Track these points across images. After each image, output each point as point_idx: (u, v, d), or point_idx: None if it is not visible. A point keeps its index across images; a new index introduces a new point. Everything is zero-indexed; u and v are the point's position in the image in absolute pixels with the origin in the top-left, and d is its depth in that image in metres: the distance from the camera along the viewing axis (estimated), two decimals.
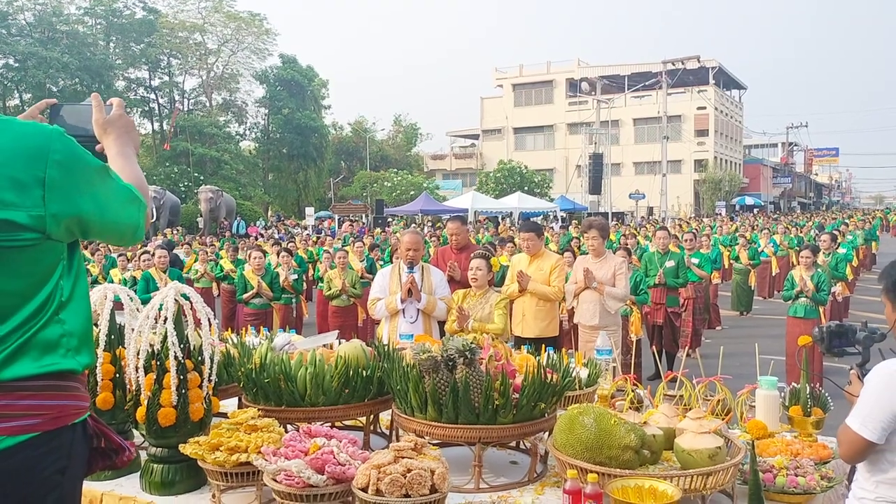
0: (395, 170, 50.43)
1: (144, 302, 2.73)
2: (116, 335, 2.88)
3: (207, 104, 50.38)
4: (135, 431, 2.90)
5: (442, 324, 5.45)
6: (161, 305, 2.58)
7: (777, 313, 12.38)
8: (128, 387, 2.74)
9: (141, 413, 2.58)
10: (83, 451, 1.63)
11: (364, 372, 2.82)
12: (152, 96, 47.50)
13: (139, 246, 12.66)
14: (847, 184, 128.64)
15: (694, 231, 13.81)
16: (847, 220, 27.64)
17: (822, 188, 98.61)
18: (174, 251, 14.37)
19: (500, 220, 35.60)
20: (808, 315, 7.90)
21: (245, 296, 8.90)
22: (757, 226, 26.09)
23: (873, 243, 21.77)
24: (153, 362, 2.58)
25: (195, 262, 12.97)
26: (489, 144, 62.25)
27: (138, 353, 2.60)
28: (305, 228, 33.24)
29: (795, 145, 79.55)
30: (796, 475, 2.48)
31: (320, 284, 10.31)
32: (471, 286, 5.40)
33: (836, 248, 11.12)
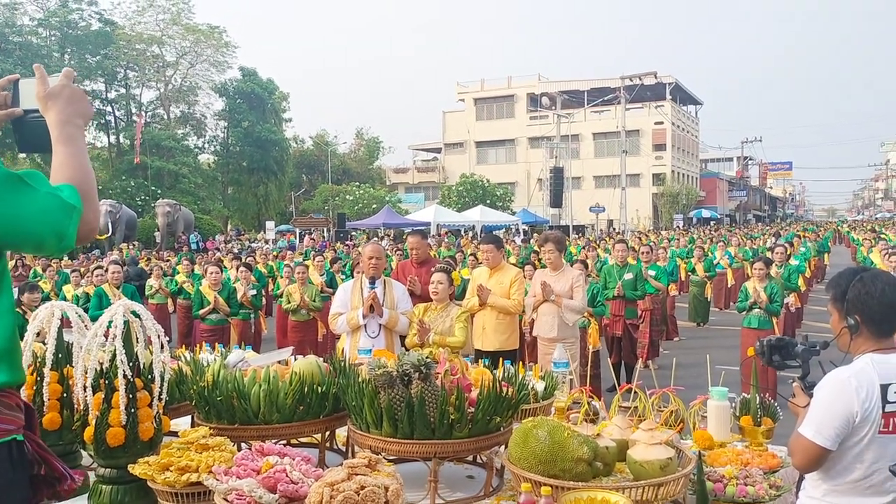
0: (357, 183, 50.31)
1: (96, 319, 2.67)
2: (64, 353, 2.81)
3: (165, 117, 49.69)
4: (83, 452, 2.84)
5: (404, 338, 5.44)
6: (110, 323, 2.53)
7: (733, 324, 12.62)
8: (75, 406, 2.68)
9: (89, 433, 2.52)
10: (12, 477, 1.55)
11: (319, 388, 2.80)
12: (109, 109, 46.64)
13: (93, 260, 12.37)
14: (800, 197, 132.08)
15: (651, 244, 14.03)
16: (800, 233, 28.35)
17: (776, 201, 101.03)
18: (138, 265, 14.12)
19: (462, 233, 35.70)
20: (761, 326, 8.06)
21: (201, 311, 8.77)
22: (713, 238, 26.63)
23: (825, 255, 22.36)
24: (101, 381, 2.52)
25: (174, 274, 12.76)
26: (451, 158, 62.50)
27: (86, 372, 2.54)
28: (267, 242, 32.91)
29: (750, 159, 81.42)
30: (746, 484, 2.52)
31: (280, 299, 10.21)
32: (431, 300, 5.40)
33: (789, 260, 11.38)
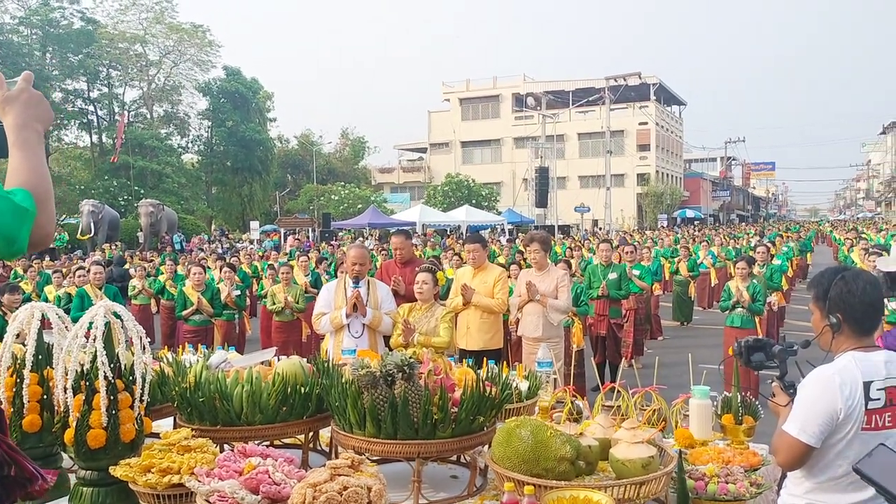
0: (343, 183, 50.14)
1: (78, 320, 2.65)
2: (44, 355, 2.79)
3: (148, 116, 49.28)
4: (63, 454, 2.81)
5: (388, 338, 5.44)
6: (91, 324, 2.51)
7: (716, 323, 12.69)
8: (56, 408, 2.66)
9: (69, 435, 2.50)
10: None
11: (302, 389, 2.79)
12: (91, 108, 46.22)
13: (75, 261, 12.27)
14: (783, 197, 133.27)
15: (636, 244, 14.10)
16: (782, 233, 28.61)
17: (759, 201, 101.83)
18: (124, 267, 14.02)
19: (448, 233, 35.71)
20: (744, 325, 8.11)
21: (184, 312, 8.72)
22: (696, 238, 26.82)
23: (808, 254, 22.56)
24: (82, 382, 2.50)
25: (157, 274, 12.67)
26: (437, 158, 62.49)
27: (67, 373, 2.52)
28: (251, 242, 32.75)
29: (733, 159, 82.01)
30: (727, 482, 2.54)
31: (264, 300, 10.17)
32: (415, 300, 5.40)
33: (772, 260, 11.47)
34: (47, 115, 1.70)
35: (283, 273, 9.72)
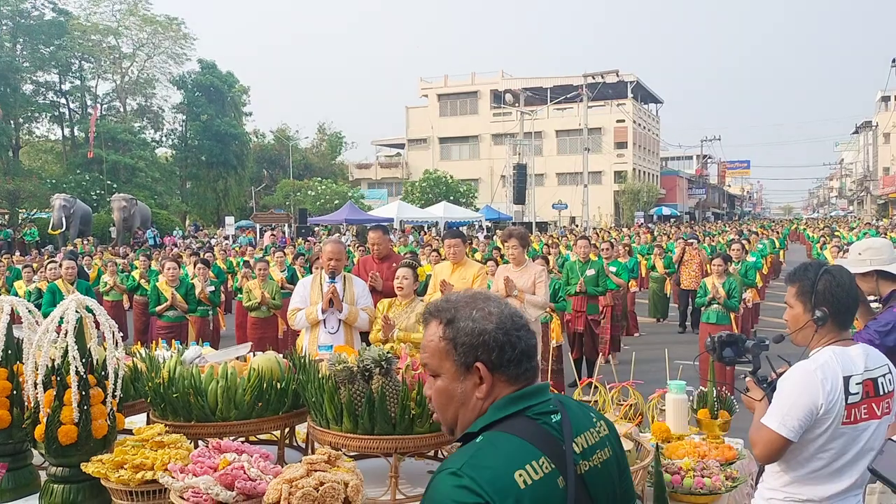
0: (319, 178, 49.81)
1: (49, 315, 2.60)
2: (14, 350, 2.73)
3: (122, 109, 48.65)
4: (34, 450, 2.76)
5: (365, 334, 5.41)
6: (62, 318, 2.46)
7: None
8: (26, 404, 2.61)
9: (39, 431, 2.45)
10: None
11: (278, 384, 2.76)
12: (63, 101, 45.50)
13: (46, 256, 12.09)
14: (758, 195, 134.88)
15: (612, 241, 14.19)
16: (757, 230, 28.97)
17: (734, 199, 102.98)
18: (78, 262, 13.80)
19: (425, 229, 35.68)
20: (720, 321, 8.19)
21: (158, 308, 8.60)
22: (670, 234, 27.10)
23: (781, 251, 22.85)
24: (53, 378, 2.46)
25: (98, 275, 12.48)
26: (415, 154, 62.39)
27: (37, 368, 2.48)
28: (226, 238, 32.46)
29: (709, 158, 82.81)
30: (703, 476, 2.56)
31: (239, 296, 10.08)
32: (392, 295, 5.38)
33: (746, 257, 11.59)
34: None
35: (259, 269, 9.64)
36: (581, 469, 1.45)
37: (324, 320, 5.25)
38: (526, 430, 1.44)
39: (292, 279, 10.72)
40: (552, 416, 1.48)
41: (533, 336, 1.53)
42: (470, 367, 1.48)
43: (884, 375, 2.39)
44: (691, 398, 3.32)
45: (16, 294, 10.37)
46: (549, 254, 13.96)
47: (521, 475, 1.37)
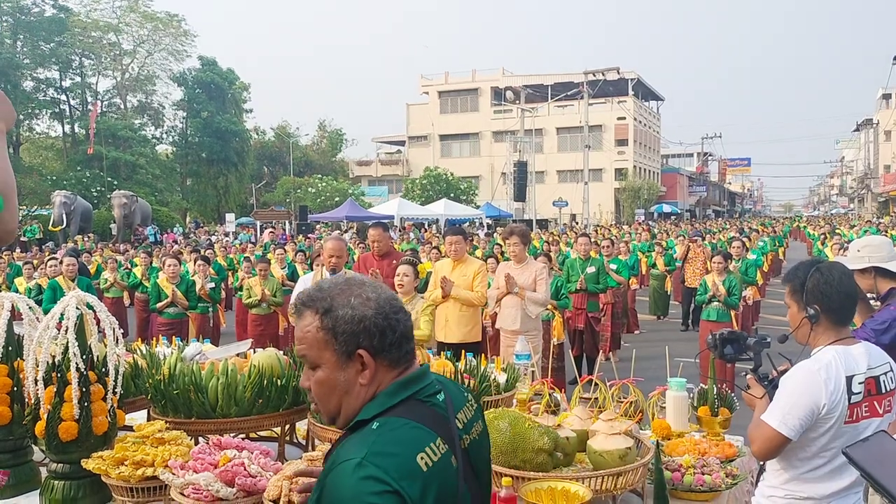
0: (320, 176, 49.79)
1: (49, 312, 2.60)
2: (14, 346, 2.73)
3: (122, 106, 48.62)
4: (34, 447, 2.76)
5: None
6: (62, 315, 2.46)
7: None
8: (26, 400, 2.61)
9: (40, 427, 2.45)
10: None
11: (279, 381, 2.77)
12: (63, 98, 45.47)
13: (46, 253, 12.09)
14: (759, 192, 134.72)
15: (613, 238, 14.18)
16: (757, 228, 28.96)
17: (735, 197, 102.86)
18: (79, 259, 13.82)
19: (426, 226, 35.67)
20: (720, 318, 8.19)
21: (159, 305, 8.61)
22: (669, 231, 27.11)
23: (780, 249, 22.82)
24: (54, 374, 2.46)
25: (98, 271, 12.48)
26: (415, 151, 62.36)
27: (37, 365, 2.48)
28: (227, 235, 32.45)
29: (710, 155, 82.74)
30: (703, 473, 2.56)
31: (239, 293, 10.08)
32: (395, 292, 5.38)
33: (747, 254, 11.58)
34: (10, 114, 1.70)
35: (260, 269, 9.63)
36: (464, 443, 1.51)
37: None
38: (419, 414, 1.47)
39: (293, 276, 10.73)
40: (438, 397, 1.52)
41: (409, 317, 1.54)
42: (352, 354, 1.47)
43: (885, 373, 2.39)
44: (692, 395, 3.32)
45: (16, 290, 10.37)
46: (550, 251, 13.95)
47: (422, 458, 1.40)
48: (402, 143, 65.62)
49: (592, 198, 44.09)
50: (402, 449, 1.40)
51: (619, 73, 44.00)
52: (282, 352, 3.09)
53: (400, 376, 1.50)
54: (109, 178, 40.50)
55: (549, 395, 3.13)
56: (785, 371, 2.44)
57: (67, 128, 45.94)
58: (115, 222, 32.04)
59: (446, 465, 1.45)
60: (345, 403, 1.49)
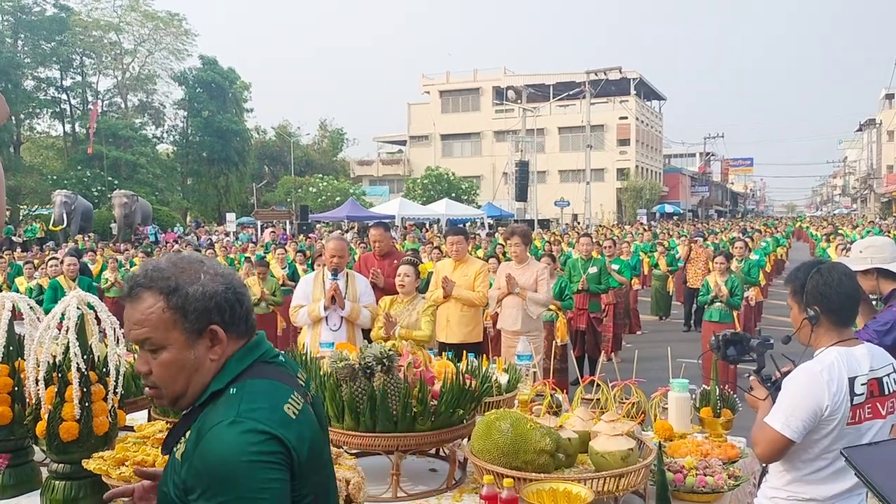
0: (321, 175, 49.79)
1: (50, 312, 2.59)
2: (15, 346, 2.73)
3: (123, 105, 48.62)
4: (35, 447, 2.76)
5: (366, 332, 5.40)
6: (63, 315, 2.45)
7: None
8: (27, 400, 2.60)
9: (41, 427, 2.45)
10: None
11: None
12: (64, 97, 45.48)
13: (47, 252, 12.09)
14: (761, 193, 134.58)
15: (615, 238, 14.17)
16: (760, 228, 28.96)
17: (737, 197, 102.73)
18: (81, 259, 13.84)
19: (427, 226, 35.66)
20: (722, 319, 8.17)
21: None
22: (670, 231, 27.12)
23: (779, 249, 22.79)
24: (54, 374, 2.45)
25: (101, 269, 12.47)
26: (416, 151, 62.33)
27: (38, 365, 2.47)
28: (227, 235, 32.45)
29: (712, 155, 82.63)
30: (705, 475, 2.55)
31: None
32: (394, 292, 5.37)
33: (749, 255, 11.57)
34: (2, 110, 1.70)
35: (258, 272, 9.61)
36: (309, 399, 1.56)
37: (326, 317, 5.25)
38: (270, 373, 1.52)
39: (293, 276, 10.72)
40: (279, 357, 1.58)
41: (248, 289, 1.58)
42: (202, 331, 1.47)
43: (888, 375, 2.38)
44: (694, 396, 3.31)
45: (17, 290, 10.37)
46: (551, 251, 13.94)
47: (289, 408, 1.45)
48: (403, 143, 65.60)
49: (594, 198, 44.07)
50: (269, 402, 1.44)
51: (621, 72, 43.96)
52: (283, 352, 3.08)
53: (244, 346, 1.53)
54: (110, 178, 40.52)
55: (551, 395, 3.13)
56: (788, 372, 2.43)
57: (68, 127, 45.95)
58: (115, 222, 32.04)
59: (308, 414, 1.51)
60: (193, 381, 1.49)
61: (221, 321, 1.49)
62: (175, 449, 1.49)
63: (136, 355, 1.65)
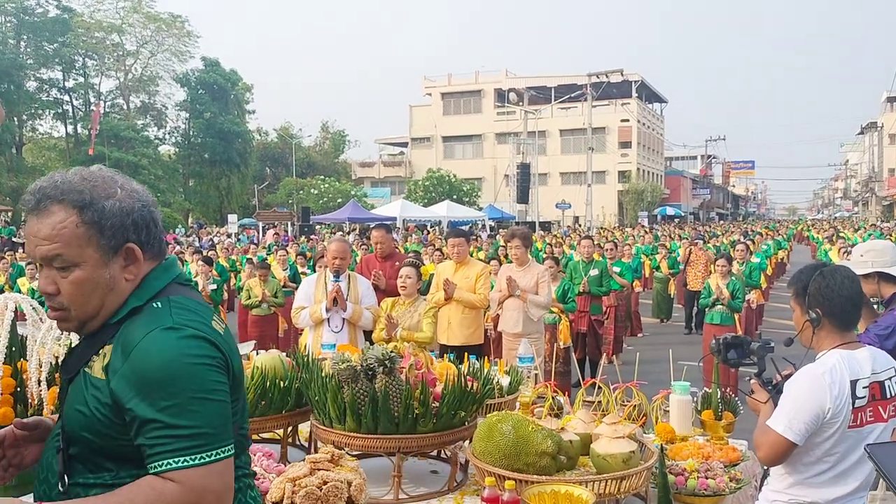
0: (322, 177, 49.81)
1: None
2: (18, 347, 2.73)
3: (125, 107, 48.68)
4: None
5: (368, 333, 5.41)
6: None
7: None
8: (29, 401, 2.60)
9: None
10: None
11: (282, 383, 2.76)
12: (66, 98, 45.56)
13: None
14: (763, 195, 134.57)
15: (616, 241, 14.17)
16: (761, 231, 28.95)
17: (739, 199, 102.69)
18: None
19: (428, 228, 35.66)
20: (724, 322, 8.17)
21: None
22: (671, 234, 27.10)
23: (781, 251, 22.79)
24: (57, 375, 2.45)
25: None
26: (418, 152, 62.35)
27: (41, 366, 2.48)
28: (229, 236, 32.47)
29: (714, 158, 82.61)
30: (707, 477, 2.55)
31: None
32: (396, 294, 5.38)
33: (750, 258, 11.56)
34: None
35: (259, 274, 9.61)
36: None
37: (328, 319, 5.25)
38: (190, 293, 1.49)
39: (294, 278, 10.72)
40: (191, 281, 1.55)
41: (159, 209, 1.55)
42: (118, 249, 1.42)
43: (890, 378, 2.38)
44: (695, 399, 3.31)
45: (19, 291, 10.39)
46: (553, 254, 13.93)
47: (216, 324, 1.44)
48: (404, 145, 65.62)
49: (596, 200, 44.06)
50: (200, 316, 1.42)
51: (622, 75, 43.93)
52: (284, 353, 3.09)
53: (158, 266, 1.49)
54: None
55: (553, 398, 3.13)
56: (789, 375, 2.43)
57: (70, 128, 46.03)
58: None
59: (230, 335, 1.49)
60: (107, 302, 1.43)
61: (138, 239, 1.44)
62: (85, 370, 1.41)
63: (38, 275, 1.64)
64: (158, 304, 1.42)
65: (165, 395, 1.31)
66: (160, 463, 1.31)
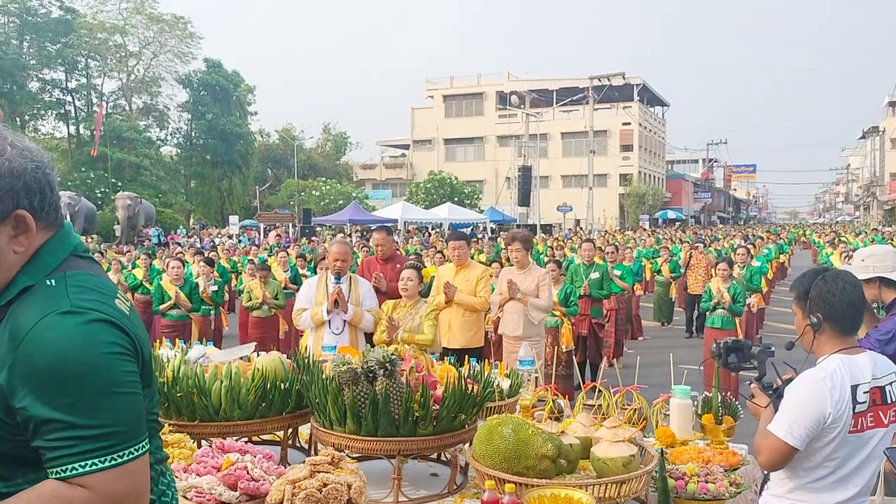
0: (324, 178, 49.90)
1: None
2: None
3: (127, 108, 48.76)
4: None
5: (369, 336, 5.40)
6: None
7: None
8: None
9: None
10: None
11: (282, 385, 2.76)
12: (69, 98, 45.63)
13: None
14: (764, 199, 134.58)
15: (617, 244, 14.17)
16: (763, 235, 28.93)
17: (740, 203, 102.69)
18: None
19: (429, 230, 35.66)
20: (724, 326, 8.17)
21: (162, 307, 8.63)
22: (672, 238, 27.11)
23: (782, 255, 22.79)
24: None
25: (106, 270, 12.49)
26: (420, 155, 62.39)
27: None
28: (230, 237, 32.49)
29: (715, 161, 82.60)
30: (707, 482, 2.55)
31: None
32: (397, 296, 5.37)
33: (751, 262, 11.55)
34: None
35: (260, 276, 9.62)
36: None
37: (329, 321, 5.25)
38: (91, 267, 1.32)
39: (295, 279, 10.72)
40: (90, 253, 1.37)
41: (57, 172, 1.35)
42: (6, 216, 1.21)
43: (891, 384, 2.38)
44: (696, 403, 3.31)
45: None
46: (554, 256, 13.93)
47: (119, 303, 1.28)
48: (406, 147, 65.67)
49: (597, 203, 44.06)
50: (101, 295, 1.25)
51: (624, 78, 43.97)
52: (285, 355, 3.09)
53: (54, 236, 1.30)
54: (114, 180, 40.62)
55: (553, 401, 3.13)
56: (790, 380, 2.43)
57: (72, 129, 46.07)
58: (118, 223, 32.09)
59: (136, 313, 1.34)
60: None
61: (30, 205, 1.23)
62: None
63: None
64: (52, 281, 1.23)
65: (66, 392, 1.14)
66: (66, 467, 1.16)
